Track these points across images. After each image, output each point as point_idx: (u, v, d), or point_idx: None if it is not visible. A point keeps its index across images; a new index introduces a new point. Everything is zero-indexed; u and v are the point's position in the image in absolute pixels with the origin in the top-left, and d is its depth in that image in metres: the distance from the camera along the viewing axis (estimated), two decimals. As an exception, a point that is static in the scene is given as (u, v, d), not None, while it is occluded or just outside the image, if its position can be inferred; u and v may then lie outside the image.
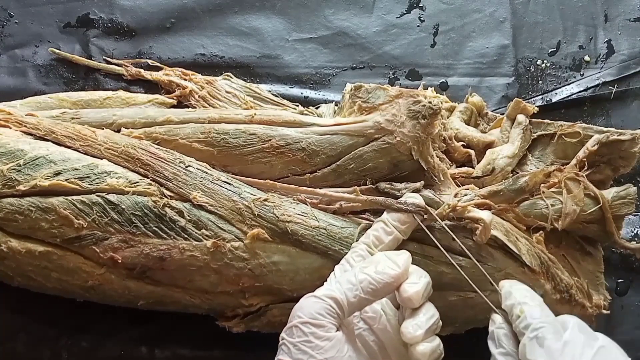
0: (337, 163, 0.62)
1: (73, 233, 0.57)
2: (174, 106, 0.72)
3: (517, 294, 0.51)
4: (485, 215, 0.58)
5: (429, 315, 0.51)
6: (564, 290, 0.61)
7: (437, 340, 0.51)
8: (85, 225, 0.57)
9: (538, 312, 0.49)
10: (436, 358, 0.51)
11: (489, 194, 0.62)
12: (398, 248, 0.57)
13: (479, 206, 0.61)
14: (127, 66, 0.75)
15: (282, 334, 0.49)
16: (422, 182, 0.62)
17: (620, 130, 0.65)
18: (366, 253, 0.55)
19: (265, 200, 0.59)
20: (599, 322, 0.65)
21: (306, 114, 0.69)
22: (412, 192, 0.60)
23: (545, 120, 0.69)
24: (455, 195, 0.62)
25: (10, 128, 0.62)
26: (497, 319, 0.52)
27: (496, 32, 0.80)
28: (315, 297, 0.49)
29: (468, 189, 0.63)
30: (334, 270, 0.55)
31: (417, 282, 0.51)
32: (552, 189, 0.64)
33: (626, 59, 0.79)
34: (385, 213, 0.58)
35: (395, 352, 0.52)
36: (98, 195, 0.58)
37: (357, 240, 0.58)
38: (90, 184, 0.58)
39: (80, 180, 0.58)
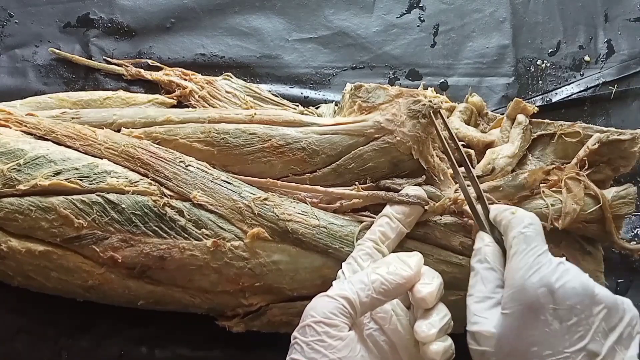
0: (337, 162, 0.62)
1: (73, 232, 0.57)
2: (174, 106, 0.72)
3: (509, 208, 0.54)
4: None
5: (441, 315, 0.51)
6: (564, 289, 0.61)
7: (450, 340, 0.51)
8: (85, 225, 0.57)
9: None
10: (448, 357, 0.51)
11: (489, 189, 0.62)
12: (400, 243, 0.58)
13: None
14: (127, 66, 0.75)
15: (295, 333, 0.49)
16: (424, 176, 0.62)
17: (620, 130, 0.65)
18: (373, 250, 0.55)
19: (265, 199, 0.59)
20: (599, 322, 0.65)
21: (306, 114, 0.69)
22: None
23: (545, 120, 0.69)
24: (456, 191, 0.62)
25: (11, 128, 0.62)
26: (486, 237, 0.53)
27: (496, 32, 0.80)
28: (328, 297, 0.49)
29: (468, 185, 0.63)
30: (341, 268, 0.55)
31: (430, 282, 0.51)
32: (552, 189, 0.64)
33: (626, 59, 0.79)
34: (388, 207, 0.58)
35: (406, 352, 0.52)
36: (98, 194, 0.58)
37: (357, 238, 0.58)
38: (91, 184, 0.58)
39: (81, 180, 0.58)
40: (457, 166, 0.59)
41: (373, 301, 0.50)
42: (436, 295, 0.51)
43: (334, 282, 0.53)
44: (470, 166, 0.59)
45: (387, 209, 0.58)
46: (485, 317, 0.49)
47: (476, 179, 0.58)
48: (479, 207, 0.57)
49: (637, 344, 0.46)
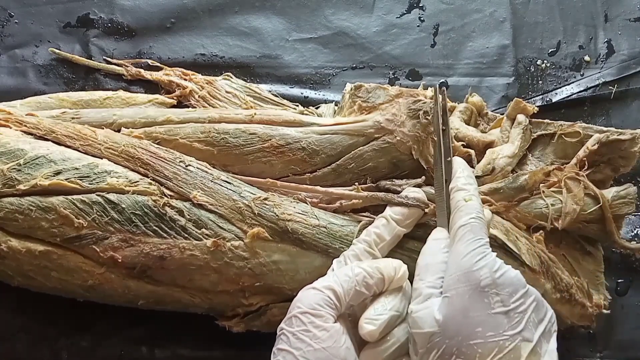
0: (337, 162, 0.62)
1: (73, 232, 0.57)
2: (174, 106, 0.72)
3: (471, 187, 0.55)
4: (484, 213, 0.58)
5: (386, 345, 0.51)
6: (564, 289, 0.61)
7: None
8: (85, 225, 0.57)
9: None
10: None
11: (489, 191, 0.63)
12: (400, 243, 0.58)
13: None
14: (127, 66, 0.75)
15: (281, 325, 0.50)
16: (424, 177, 0.62)
17: (620, 130, 0.65)
18: (363, 252, 0.56)
19: (265, 199, 0.59)
20: (599, 322, 0.65)
21: (306, 114, 0.69)
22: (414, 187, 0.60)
23: (545, 120, 0.69)
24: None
25: (11, 128, 0.62)
26: (444, 233, 0.55)
27: (496, 32, 0.80)
28: (314, 289, 0.51)
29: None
30: (332, 264, 0.56)
31: (377, 317, 0.51)
32: (552, 189, 0.64)
33: (626, 59, 0.79)
34: (387, 209, 0.58)
35: None
36: (98, 194, 0.58)
37: (357, 238, 0.58)
38: (91, 184, 0.58)
39: (81, 180, 0.58)
40: (440, 148, 0.59)
41: (357, 294, 0.51)
42: (380, 333, 0.51)
43: (320, 278, 0.54)
44: (451, 152, 0.59)
45: (387, 211, 0.58)
46: (432, 303, 0.50)
47: (450, 164, 0.58)
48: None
49: (555, 340, 0.48)
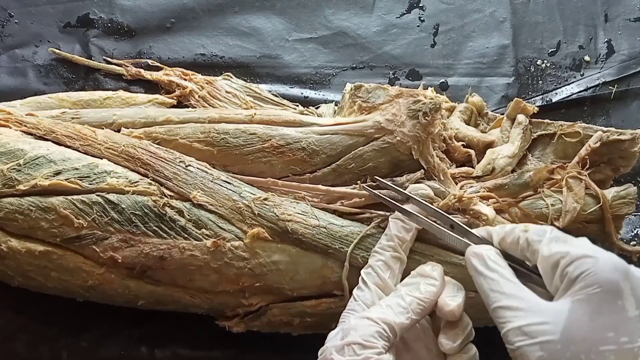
0: (337, 163, 0.62)
1: (73, 232, 0.57)
2: (174, 106, 0.72)
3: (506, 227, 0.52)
4: (488, 211, 0.58)
5: (464, 325, 0.51)
6: (564, 289, 0.61)
7: (474, 350, 0.51)
8: (85, 225, 0.57)
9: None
10: None
11: (494, 187, 0.63)
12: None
13: (483, 199, 0.61)
14: (127, 66, 0.75)
15: (331, 350, 0.49)
16: (422, 171, 0.62)
17: (620, 130, 0.65)
18: (390, 259, 0.56)
19: (265, 199, 0.59)
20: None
21: (306, 114, 0.69)
22: (414, 182, 0.61)
23: (545, 120, 0.69)
24: (461, 188, 0.62)
25: (11, 128, 0.62)
26: (484, 246, 0.52)
27: (496, 32, 0.80)
28: (369, 319, 0.50)
29: (472, 184, 0.63)
30: (360, 275, 0.55)
31: (456, 294, 0.52)
32: (552, 189, 0.64)
33: (626, 59, 0.79)
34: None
35: None
36: (98, 194, 0.58)
37: (365, 236, 0.58)
38: (90, 184, 0.58)
39: (80, 180, 0.58)
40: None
41: (412, 322, 0.51)
42: (462, 308, 0.51)
43: (354, 291, 0.54)
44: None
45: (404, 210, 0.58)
46: (536, 308, 0.46)
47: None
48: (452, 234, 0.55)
49: None
